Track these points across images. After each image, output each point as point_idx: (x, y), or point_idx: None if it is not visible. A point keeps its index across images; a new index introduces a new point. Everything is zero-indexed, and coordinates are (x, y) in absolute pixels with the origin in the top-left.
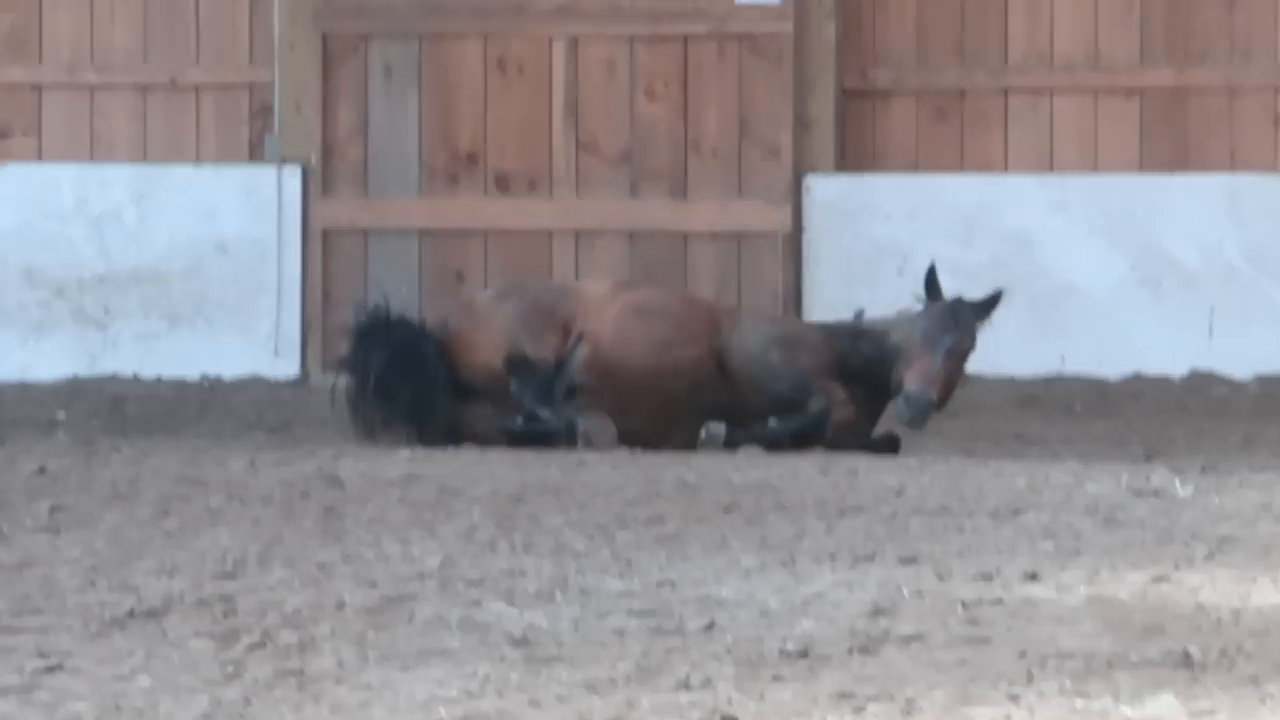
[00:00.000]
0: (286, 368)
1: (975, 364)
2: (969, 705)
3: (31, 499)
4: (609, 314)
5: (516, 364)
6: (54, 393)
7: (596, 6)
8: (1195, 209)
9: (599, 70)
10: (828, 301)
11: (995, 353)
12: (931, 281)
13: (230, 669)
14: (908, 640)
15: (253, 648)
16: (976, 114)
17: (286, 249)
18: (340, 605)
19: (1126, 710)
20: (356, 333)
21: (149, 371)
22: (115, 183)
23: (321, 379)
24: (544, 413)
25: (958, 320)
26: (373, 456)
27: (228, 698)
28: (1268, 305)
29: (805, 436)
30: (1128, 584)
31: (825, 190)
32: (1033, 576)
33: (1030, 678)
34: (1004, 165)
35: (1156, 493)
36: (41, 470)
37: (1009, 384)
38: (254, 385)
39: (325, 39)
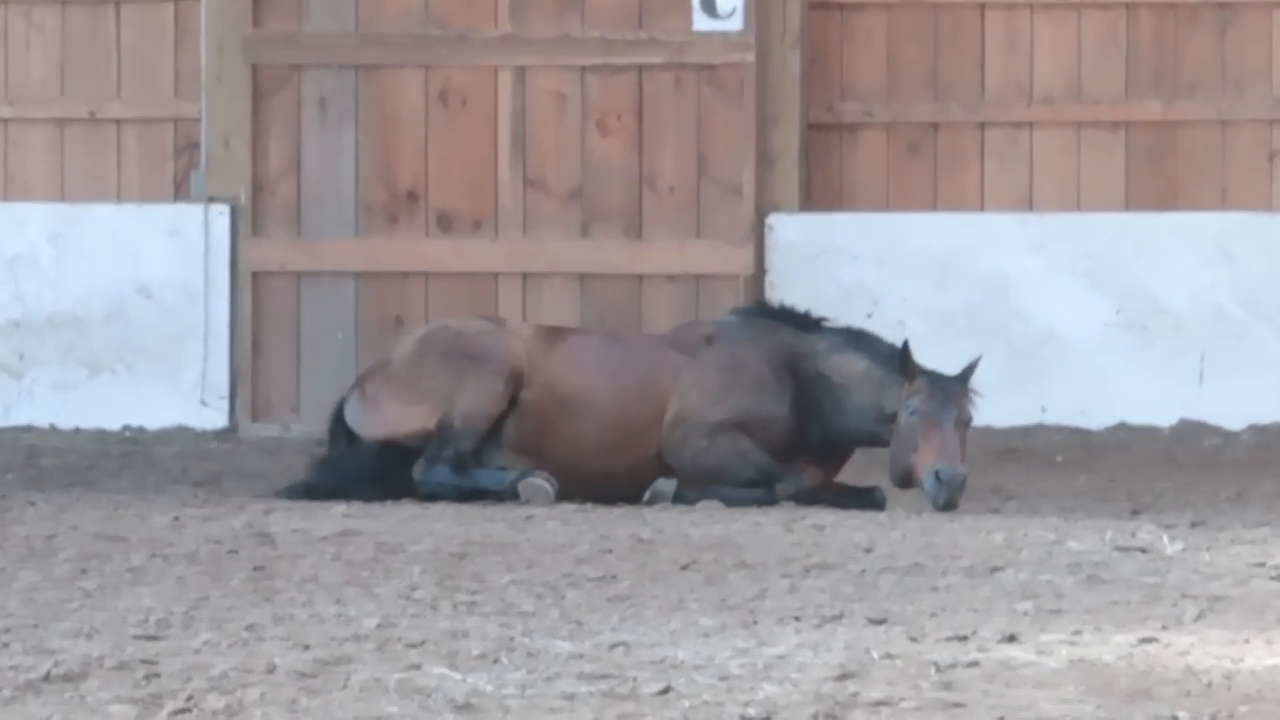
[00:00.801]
0: (214, 418)
1: None
2: None
3: None
4: (553, 365)
5: (447, 431)
6: None
7: (545, 35)
8: (1185, 249)
9: (548, 103)
10: None
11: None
12: (906, 359)
13: None
14: (877, 705)
15: (177, 714)
16: (951, 149)
17: (214, 292)
18: (271, 669)
19: None
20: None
21: (67, 422)
22: (31, 222)
23: (251, 429)
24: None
25: (949, 394)
26: (306, 511)
27: None
28: (1262, 351)
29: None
30: (1112, 646)
31: (789, 230)
32: (1011, 638)
33: None
34: (980, 204)
35: (1143, 549)
36: None
37: (986, 434)
38: (179, 436)
39: (255, 70)
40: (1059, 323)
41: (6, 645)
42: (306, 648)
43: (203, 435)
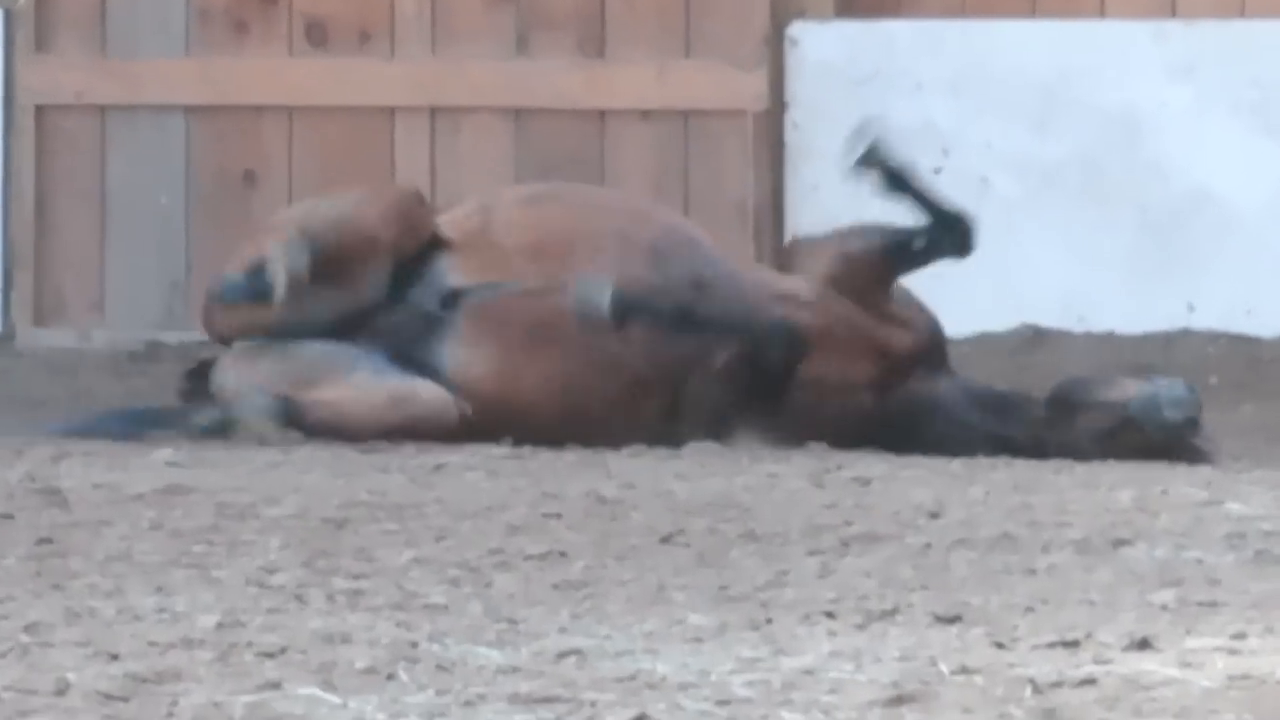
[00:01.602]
0: None
1: (1054, 313)
2: None
3: None
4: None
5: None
6: None
7: None
8: None
9: None
10: (822, 217)
11: (1086, 297)
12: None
13: None
14: None
15: None
16: None
17: None
18: (61, 689)
19: None
20: None
21: None
22: None
23: (33, 336)
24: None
25: None
26: (114, 457)
27: None
28: None
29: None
30: None
31: (821, 45)
32: (1143, 644)
33: None
34: (1100, 8)
35: None
36: None
37: (1106, 343)
38: None
39: None
40: (1214, 181)
41: None
42: (114, 658)
43: None
